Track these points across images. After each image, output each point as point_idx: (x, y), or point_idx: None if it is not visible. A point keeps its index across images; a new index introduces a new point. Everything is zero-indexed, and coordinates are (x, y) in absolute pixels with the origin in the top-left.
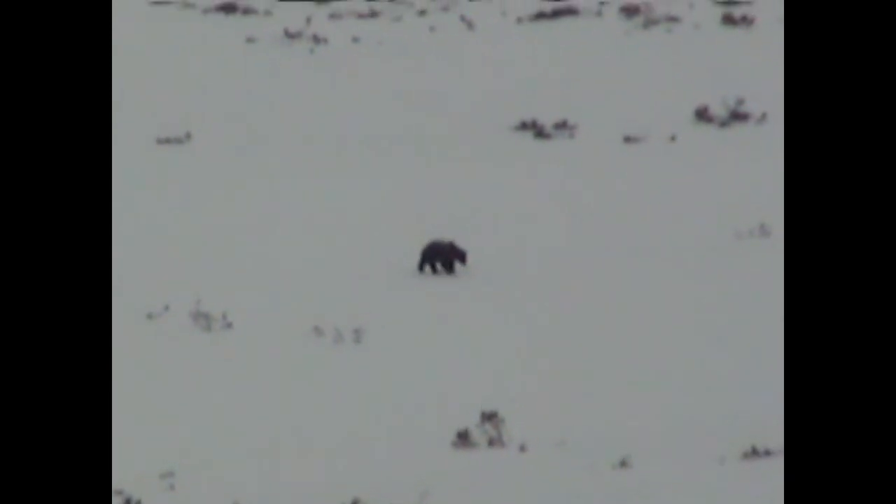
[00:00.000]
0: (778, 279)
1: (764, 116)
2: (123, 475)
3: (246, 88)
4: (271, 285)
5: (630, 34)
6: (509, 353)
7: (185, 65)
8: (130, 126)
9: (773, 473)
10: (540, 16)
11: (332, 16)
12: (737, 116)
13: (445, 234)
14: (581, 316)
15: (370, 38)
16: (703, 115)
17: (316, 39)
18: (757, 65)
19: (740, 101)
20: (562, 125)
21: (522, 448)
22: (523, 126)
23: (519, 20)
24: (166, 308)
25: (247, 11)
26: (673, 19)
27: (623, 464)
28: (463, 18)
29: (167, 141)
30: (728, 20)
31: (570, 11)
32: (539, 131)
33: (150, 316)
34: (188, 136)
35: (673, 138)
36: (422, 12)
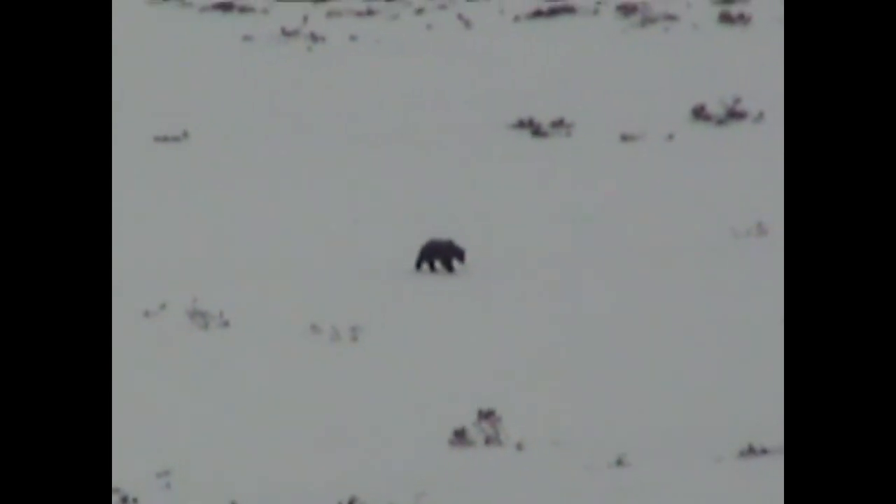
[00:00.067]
0: (775, 278)
1: (761, 115)
2: (120, 474)
3: (243, 87)
4: (268, 283)
5: (627, 32)
6: (506, 351)
7: (181, 63)
8: (127, 124)
9: (770, 472)
10: (537, 14)
11: (330, 14)
12: (734, 115)
13: (442, 233)
14: (577, 314)
15: (367, 37)
16: (700, 113)
17: (313, 38)
18: (754, 63)
19: (738, 100)
20: (559, 123)
21: (519, 446)
22: (520, 124)
23: (516, 18)
24: (163, 306)
25: (244, 10)
26: (670, 18)
27: (620, 462)
28: (460, 17)
29: (164, 139)
30: (725, 19)
31: (568, 10)
32: (536, 129)
33: (146, 314)
34: (185, 134)
35: (670, 137)
36: (419, 11)
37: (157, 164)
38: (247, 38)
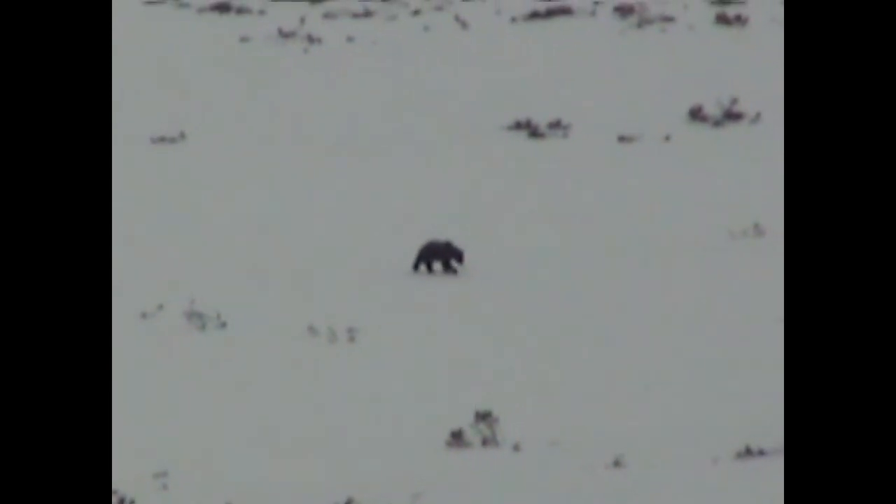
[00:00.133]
0: (772, 279)
1: (758, 116)
2: (117, 475)
3: (240, 88)
4: (265, 285)
5: (624, 34)
6: (503, 352)
7: (178, 64)
8: (124, 125)
9: (767, 473)
10: (534, 15)
11: (327, 15)
12: (731, 116)
13: (439, 234)
14: (574, 315)
15: (364, 38)
16: (697, 114)
17: (310, 39)
18: (751, 64)
19: (734, 101)
20: (556, 125)
21: (516, 448)
22: (517, 125)
23: (513, 20)
24: (160, 307)
25: (241, 11)
26: (667, 19)
27: (617, 463)
28: (457, 18)
29: (161, 140)
30: (722, 20)
31: (565, 11)
32: (533, 131)
33: (143, 315)
34: (182, 135)
35: (667, 138)
36: (416, 12)
37: (153, 165)
38: (244, 39)
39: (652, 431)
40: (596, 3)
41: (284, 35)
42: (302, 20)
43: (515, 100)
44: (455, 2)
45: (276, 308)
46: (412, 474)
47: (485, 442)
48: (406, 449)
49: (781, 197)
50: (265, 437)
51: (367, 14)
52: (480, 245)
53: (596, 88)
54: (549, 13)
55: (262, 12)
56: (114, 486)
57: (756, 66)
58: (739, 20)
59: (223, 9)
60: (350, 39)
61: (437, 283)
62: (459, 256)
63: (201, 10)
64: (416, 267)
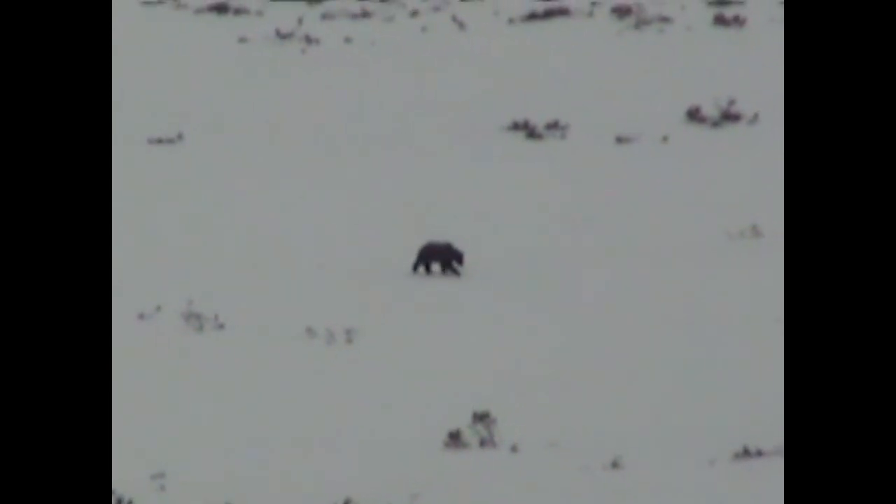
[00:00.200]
0: (770, 280)
1: (756, 117)
2: (115, 475)
3: (238, 89)
4: (263, 286)
5: (622, 35)
6: (501, 353)
7: (176, 65)
8: (122, 126)
9: (764, 474)
10: (532, 16)
11: (324, 16)
12: (729, 117)
13: (438, 235)
14: (572, 316)
15: (362, 39)
16: (694, 115)
17: (308, 40)
18: (749, 65)
19: (732, 102)
20: (554, 125)
21: (514, 449)
22: (515, 126)
23: (511, 20)
24: (158, 308)
25: (239, 11)
26: (665, 20)
27: (615, 464)
28: (455, 19)
29: (159, 141)
30: (720, 21)
31: (562, 12)
32: (531, 132)
33: (141, 316)
34: (180, 136)
35: (665, 139)
36: (414, 13)
37: (151, 166)
38: (242, 39)
39: (650, 432)
40: (593, 3)
41: (282, 36)
42: (300, 21)
43: (513, 100)
44: (453, 3)
45: (273, 309)
46: (410, 475)
47: (482, 443)
48: (404, 450)
49: (779, 198)
50: (263, 438)
51: (365, 15)
52: (479, 245)
53: (594, 89)
54: (547, 14)
55: (259, 13)
56: (112, 487)
57: (754, 66)
58: (737, 21)
59: (221, 9)
60: (348, 40)
61: (435, 284)
62: (459, 258)
63: (199, 11)
64: (415, 268)
